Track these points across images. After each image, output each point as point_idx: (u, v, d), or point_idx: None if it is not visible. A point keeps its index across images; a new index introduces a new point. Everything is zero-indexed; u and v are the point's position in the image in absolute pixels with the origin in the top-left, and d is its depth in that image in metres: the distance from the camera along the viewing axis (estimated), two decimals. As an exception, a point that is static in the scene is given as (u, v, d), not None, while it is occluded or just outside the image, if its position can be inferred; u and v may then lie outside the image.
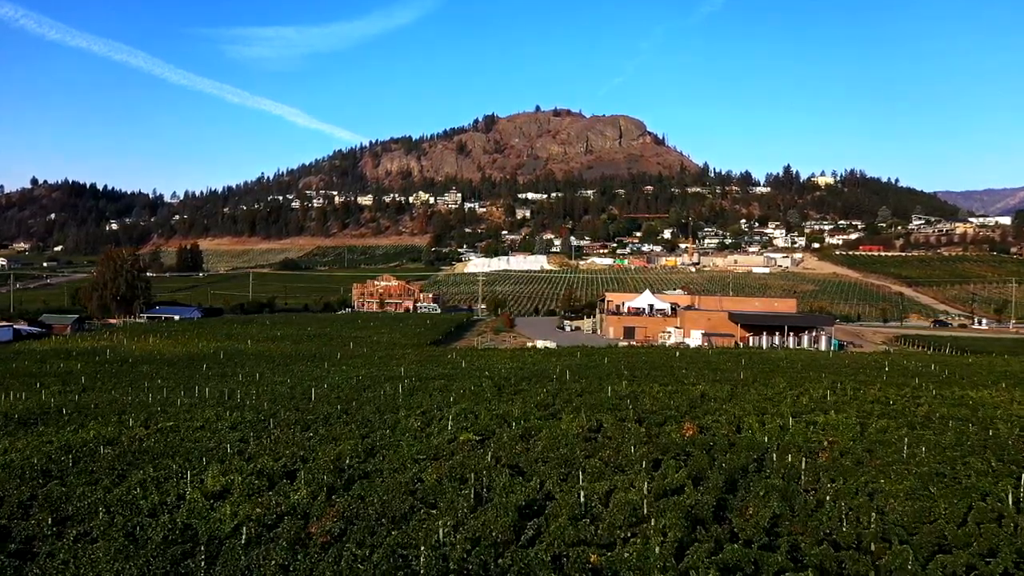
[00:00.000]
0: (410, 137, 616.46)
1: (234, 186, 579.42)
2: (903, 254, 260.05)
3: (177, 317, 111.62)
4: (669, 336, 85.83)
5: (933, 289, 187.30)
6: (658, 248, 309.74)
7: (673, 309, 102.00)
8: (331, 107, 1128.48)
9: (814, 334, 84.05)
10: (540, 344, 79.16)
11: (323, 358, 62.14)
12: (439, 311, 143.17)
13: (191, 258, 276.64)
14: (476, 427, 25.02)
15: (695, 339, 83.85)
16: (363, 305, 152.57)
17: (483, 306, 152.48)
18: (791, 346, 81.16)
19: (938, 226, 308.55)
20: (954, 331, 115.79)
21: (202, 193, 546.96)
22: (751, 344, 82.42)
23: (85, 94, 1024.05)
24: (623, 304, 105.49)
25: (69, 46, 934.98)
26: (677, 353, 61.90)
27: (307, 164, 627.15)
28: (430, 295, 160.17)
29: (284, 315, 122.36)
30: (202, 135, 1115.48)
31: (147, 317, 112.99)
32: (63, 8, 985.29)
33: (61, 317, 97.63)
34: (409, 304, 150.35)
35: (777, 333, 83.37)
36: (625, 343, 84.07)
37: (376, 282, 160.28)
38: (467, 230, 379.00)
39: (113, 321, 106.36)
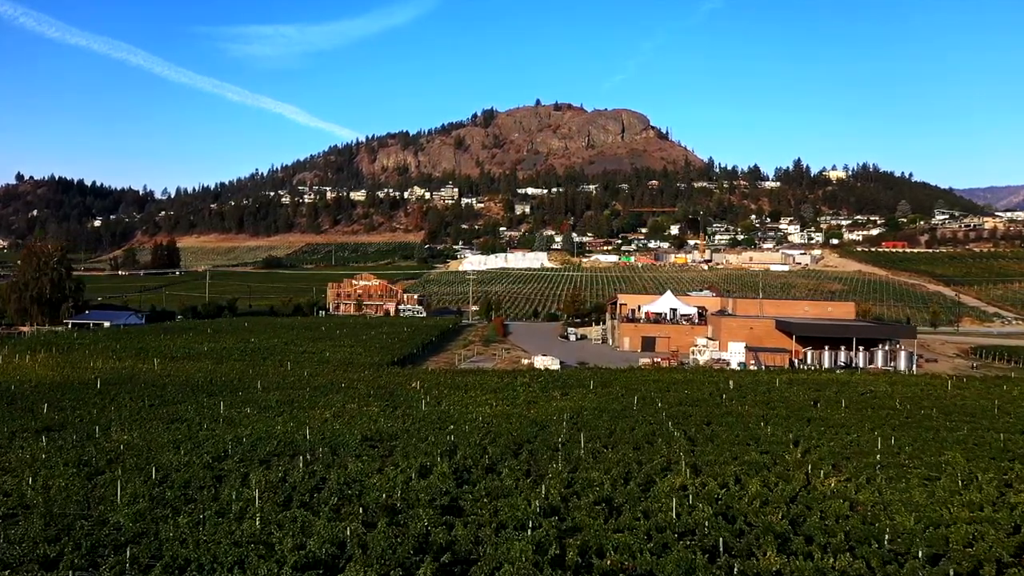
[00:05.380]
0: (407, 132, 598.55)
1: (226, 182, 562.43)
2: (930, 250, 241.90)
3: (107, 323, 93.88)
4: (703, 351, 67.76)
5: (975, 289, 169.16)
6: (665, 244, 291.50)
7: (700, 314, 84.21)
8: (330, 104, 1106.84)
9: (887, 348, 66.16)
10: (539, 362, 61.47)
11: (236, 388, 44.47)
12: (424, 315, 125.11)
13: (167, 255, 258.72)
14: None
15: (735, 354, 65.86)
16: (339, 307, 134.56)
17: (475, 308, 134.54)
18: (861, 364, 63.31)
19: (964, 221, 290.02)
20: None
21: (193, 190, 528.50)
22: (808, 361, 64.61)
23: (85, 93, 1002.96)
24: (639, 308, 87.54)
25: (69, 44, 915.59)
26: (731, 383, 44.05)
27: (301, 160, 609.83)
28: (415, 296, 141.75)
29: (238, 320, 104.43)
30: (201, 134, 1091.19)
31: (73, 324, 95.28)
32: (63, 7, 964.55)
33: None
34: (391, 306, 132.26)
35: (842, 347, 65.48)
36: (647, 359, 66.26)
37: (354, 282, 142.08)
38: (464, 226, 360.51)
39: (24, 329, 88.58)
